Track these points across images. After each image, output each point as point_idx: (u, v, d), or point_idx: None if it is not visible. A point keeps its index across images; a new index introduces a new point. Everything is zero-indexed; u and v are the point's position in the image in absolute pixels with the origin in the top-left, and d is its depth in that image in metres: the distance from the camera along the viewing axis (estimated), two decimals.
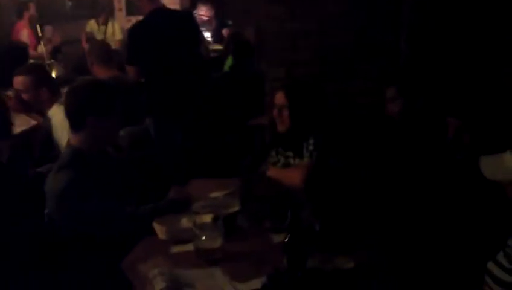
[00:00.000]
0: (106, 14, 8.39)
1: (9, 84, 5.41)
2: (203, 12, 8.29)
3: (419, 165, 2.96)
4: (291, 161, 3.10)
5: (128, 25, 8.81)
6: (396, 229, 2.67)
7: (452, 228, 2.74)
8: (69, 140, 2.73)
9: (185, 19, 4.75)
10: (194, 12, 8.47)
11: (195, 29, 4.79)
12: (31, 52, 7.01)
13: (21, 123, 4.70)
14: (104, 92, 2.70)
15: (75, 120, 2.64)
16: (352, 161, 3.02)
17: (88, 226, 2.51)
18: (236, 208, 2.60)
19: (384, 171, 3.03)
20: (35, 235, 2.76)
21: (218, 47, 7.75)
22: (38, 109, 4.18)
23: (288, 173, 3.02)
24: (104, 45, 5.02)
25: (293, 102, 3.01)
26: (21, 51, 6.25)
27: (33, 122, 4.47)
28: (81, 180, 2.54)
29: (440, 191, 2.86)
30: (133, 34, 4.62)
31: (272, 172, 3.02)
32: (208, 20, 8.30)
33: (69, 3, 9.71)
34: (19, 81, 4.03)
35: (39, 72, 4.06)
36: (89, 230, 2.51)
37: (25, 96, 4.04)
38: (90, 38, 7.98)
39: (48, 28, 7.80)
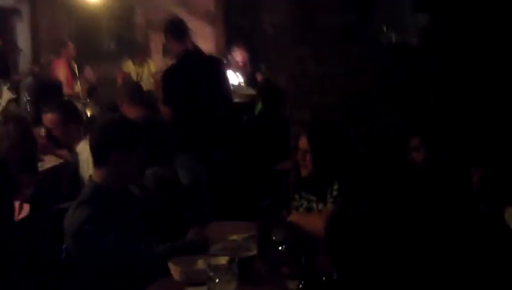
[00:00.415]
0: (143, 55, 8.55)
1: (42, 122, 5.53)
2: (237, 57, 8.39)
3: (443, 217, 2.88)
4: (314, 205, 3.05)
5: (164, 66, 9.02)
6: (418, 282, 2.58)
7: (477, 280, 2.63)
8: (91, 176, 2.73)
9: (214, 63, 4.98)
10: (229, 55, 8.60)
11: (223, 74, 4.99)
12: (68, 90, 7.17)
13: (50, 160, 4.79)
14: (129, 129, 2.71)
15: (98, 155, 2.66)
16: (376, 209, 2.94)
17: (103, 263, 2.50)
18: (253, 252, 2.55)
19: (407, 222, 2.95)
20: (52, 269, 2.76)
21: (251, 92, 7.80)
22: (67, 145, 4.24)
23: (311, 219, 2.96)
24: (135, 85, 5.10)
25: (316, 147, 2.98)
26: (55, 88, 6.39)
27: (61, 160, 4.54)
28: (100, 216, 2.53)
29: (464, 243, 2.76)
30: (167, 76, 4.83)
31: (294, 217, 2.97)
32: (242, 64, 8.39)
33: (107, 43, 9.98)
34: (48, 118, 4.10)
35: (67, 109, 4.13)
36: (104, 267, 2.49)
37: (54, 132, 4.11)
38: (126, 78, 8.12)
39: (86, 68, 7.99)
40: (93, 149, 2.68)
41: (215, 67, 4.88)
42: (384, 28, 3.64)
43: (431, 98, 3.52)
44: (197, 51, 4.93)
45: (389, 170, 3.46)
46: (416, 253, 2.69)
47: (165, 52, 9.13)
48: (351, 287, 2.20)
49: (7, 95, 7.19)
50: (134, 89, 4.81)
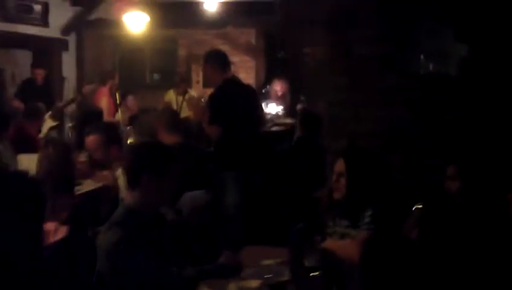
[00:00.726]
0: (184, 86, 8.68)
1: (83, 145, 5.64)
2: (277, 88, 8.46)
3: (480, 244, 2.81)
4: (348, 231, 3.02)
5: (204, 96, 9.15)
6: None
7: None
8: (123, 199, 2.76)
9: (251, 92, 5.43)
10: (268, 86, 8.68)
11: (257, 102, 5.48)
12: (109, 118, 7.31)
13: (88, 185, 4.86)
14: (160, 153, 2.74)
15: (130, 177, 2.69)
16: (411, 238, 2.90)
17: (134, 285, 2.50)
18: (285, 277, 2.53)
19: (444, 250, 2.88)
20: None
21: (290, 121, 7.82)
22: (108, 167, 4.29)
23: (345, 245, 2.93)
24: (172, 112, 5.15)
25: (351, 170, 2.97)
26: (96, 116, 6.53)
27: (100, 185, 4.60)
28: (131, 239, 2.54)
29: (503, 271, 2.68)
30: (213, 97, 5.13)
31: (328, 243, 2.93)
32: (281, 95, 8.45)
33: (150, 74, 10.18)
34: (90, 140, 4.15)
35: (109, 131, 4.18)
36: (134, 289, 2.49)
37: (95, 155, 4.16)
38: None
39: (128, 97, 8.15)
40: (126, 172, 2.72)
41: (251, 95, 5.26)
42: (422, 58, 3.61)
43: (468, 127, 3.46)
44: (236, 80, 5.29)
45: (424, 197, 3.40)
46: (453, 281, 2.62)
47: (206, 82, 9.31)
48: None
49: (49, 122, 7.40)
50: (171, 117, 4.87)
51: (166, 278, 2.54)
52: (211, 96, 5.17)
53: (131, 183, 2.68)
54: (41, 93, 7.67)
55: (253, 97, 5.31)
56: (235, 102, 4.95)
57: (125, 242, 2.52)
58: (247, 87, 5.55)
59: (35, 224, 2.04)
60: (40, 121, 6.37)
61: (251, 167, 4.76)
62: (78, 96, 8.34)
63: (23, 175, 2.28)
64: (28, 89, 7.86)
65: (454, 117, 3.51)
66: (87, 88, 8.52)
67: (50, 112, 7.46)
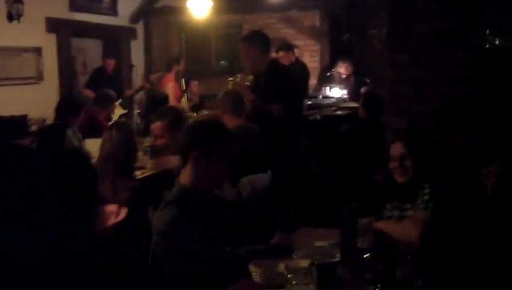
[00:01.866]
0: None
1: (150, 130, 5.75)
2: (341, 70, 8.34)
3: None
4: (406, 213, 2.94)
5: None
6: None
7: None
8: (178, 179, 2.78)
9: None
10: (333, 70, 8.57)
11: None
12: (175, 103, 7.41)
13: (151, 168, 4.96)
14: (211, 130, 2.73)
15: (183, 153, 2.71)
16: (469, 217, 2.78)
17: (186, 263, 2.53)
18: (336, 258, 2.48)
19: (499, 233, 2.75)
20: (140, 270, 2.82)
21: (354, 105, 7.70)
22: (173, 152, 4.34)
23: (402, 226, 2.86)
24: (236, 94, 5.14)
25: (415, 152, 2.90)
26: (163, 102, 6.63)
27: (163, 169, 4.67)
28: (185, 217, 2.56)
29: None
30: (277, 76, 5.29)
31: (381, 224, 2.87)
32: (346, 77, 8.32)
33: (215, 60, 10.26)
34: (155, 126, 4.22)
35: (174, 117, 4.23)
36: (186, 267, 2.52)
37: (160, 140, 4.22)
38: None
39: (193, 83, 8.24)
40: (180, 148, 2.75)
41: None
42: (488, 32, 3.45)
43: None
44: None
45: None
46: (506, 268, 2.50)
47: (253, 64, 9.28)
48: None
49: (119, 110, 7.59)
50: (234, 99, 4.86)
51: (218, 257, 2.55)
52: (282, 75, 5.34)
53: (183, 159, 2.71)
54: (111, 82, 7.86)
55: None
56: (295, 82, 5.44)
57: (178, 221, 2.55)
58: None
59: (85, 201, 2.08)
60: (110, 108, 6.52)
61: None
62: (146, 84, 8.51)
63: (74, 151, 2.33)
64: (99, 78, 8.10)
65: None
66: (154, 76, 8.68)
67: (120, 100, 7.66)
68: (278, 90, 5.13)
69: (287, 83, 5.31)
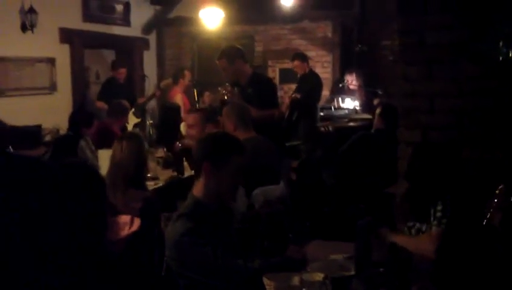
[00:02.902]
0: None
1: (164, 141, 5.82)
2: (349, 80, 8.37)
3: None
4: (421, 227, 2.93)
5: (281, 93, 9.17)
6: None
7: None
8: (191, 191, 2.78)
9: None
10: (345, 81, 8.59)
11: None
12: (184, 114, 7.44)
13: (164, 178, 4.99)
14: (224, 143, 2.74)
15: (195, 166, 2.73)
16: (484, 233, 2.76)
17: (199, 276, 2.53)
18: (351, 272, 2.48)
19: None
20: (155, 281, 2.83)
21: (366, 116, 7.71)
22: None
23: (418, 241, 2.85)
24: (242, 107, 5.16)
25: (415, 165, 2.91)
26: (175, 112, 6.67)
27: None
28: (198, 229, 2.57)
29: None
30: (272, 84, 5.85)
31: (398, 238, 2.85)
32: (353, 87, 8.36)
33: None
34: (190, 117, 4.73)
35: (206, 112, 4.75)
36: (200, 280, 2.52)
37: (192, 131, 4.71)
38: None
39: (205, 93, 8.27)
40: (193, 161, 2.76)
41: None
42: (502, 44, 3.43)
43: None
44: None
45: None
46: None
47: (283, 78, 9.33)
48: None
49: (132, 119, 7.64)
50: (241, 112, 4.85)
51: (232, 270, 2.55)
52: (271, 83, 5.81)
53: (196, 172, 2.73)
54: (123, 92, 7.89)
55: None
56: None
57: (192, 233, 2.56)
58: None
59: (95, 212, 2.08)
60: (124, 118, 6.57)
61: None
62: (157, 92, 8.54)
63: (82, 163, 2.34)
64: (110, 89, 8.10)
65: None
66: (164, 82, 8.71)
67: (133, 110, 7.71)
68: (270, 97, 5.34)
69: (274, 89, 5.68)
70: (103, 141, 5.83)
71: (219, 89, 5.60)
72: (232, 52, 5.49)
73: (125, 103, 6.69)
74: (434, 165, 2.91)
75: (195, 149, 2.78)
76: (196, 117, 4.70)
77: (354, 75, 8.39)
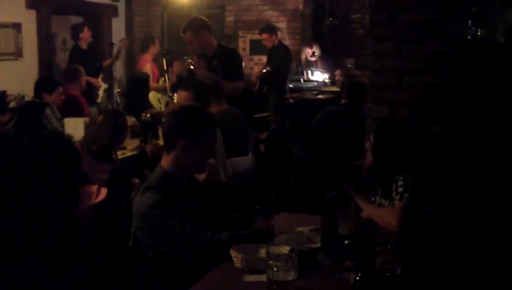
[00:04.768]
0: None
1: (132, 110, 5.75)
2: (309, 51, 8.45)
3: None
4: (382, 201, 3.00)
5: (251, 64, 9.14)
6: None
7: None
8: (160, 162, 2.78)
9: None
10: (314, 54, 8.62)
11: None
12: (153, 84, 7.37)
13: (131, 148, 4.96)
14: (200, 118, 2.74)
15: (167, 141, 2.71)
16: (445, 207, 2.84)
17: (167, 247, 2.54)
18: (317, 244, 2.52)
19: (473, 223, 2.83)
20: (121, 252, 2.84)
21: (335, 89, 7.76)
22: None
23: (382, 214, 2.90)
24: (216, 80, 5.14)
25: (379, 138, 2.98)
26: (143, 81, 6.61)
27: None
28: (165, 201, 2.57)
29: None
30: (238, 56, 5.87)
31: (365, 209, 2.91)
32: (313, 59, 8.43)
33: None
34: (181, 95, 4.38)
35: (199, 89, 4.30)
36: (167, 251, 2.54)
37: None
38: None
39: (175, 63, 8.19)
40: (163, 135, 2.75)
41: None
42: (470, 23, 3.47)
43: None
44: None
45: (465, 167, 3.32)
46: (483, 255, 2.56)
47: (253, 49, 9.30)
48: (414, 283, 2.13)
49: (103, 85, 7.56)
50: (214, 85, 4.83)
51: (199, 241, 2.56)
52: (238, 55, 5.79)
53: (168, 146, 2.71)
54: (89, 58, 7.75)
55: None
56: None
57: (159, 205, 2.56)
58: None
59: (68, 182, 2.08)
60: (80, 80, 6.47)
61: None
62: (118, 54, 8.38)
63: (57, 135, 2.33)
64: (76, 58, 7.87)
65: (501, 86, 3.37)
66: (120, 43, 8.57)
67: (101, 75, 7.61)
68: (236, 69, 5.35)
69: (240, 62, 5.62)
70: (68, 108, 5.78)
71: (185, 58, 5.56)
72: (197, 24, 5.45)
73: (76, 65, 6.65)
74: (396, 141, 2.98)
75: (167, 123, 2.76)
76: (186, 96, 4.29)
77: (315, 46, 8.44)
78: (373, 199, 3.04)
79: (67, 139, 2.38)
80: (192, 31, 5.35)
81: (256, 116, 6.84)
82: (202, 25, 5.41)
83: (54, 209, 2.03)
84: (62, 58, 8.72)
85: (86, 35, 7.84)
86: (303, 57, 8.61)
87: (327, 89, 8.10)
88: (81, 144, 3.86)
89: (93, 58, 7.98)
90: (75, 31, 7.90)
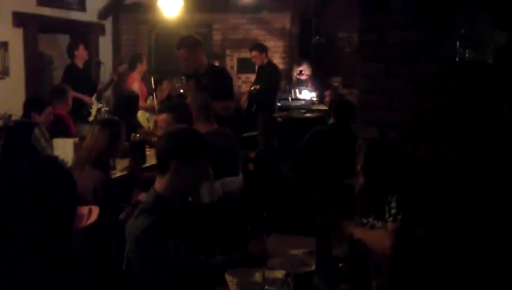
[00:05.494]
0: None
1: None
2: (300, 69, 8.50)
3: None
4: (375, 223, 3.00)
5: (238, 82, 9.17)
6: None
7: None
8: (153, 186, 2.77)
9: None
10: (302, 72, 8.68)
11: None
12: (142, 103, 7.36)
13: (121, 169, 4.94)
14: (193, 140, 2.73)
15: (161, 162, 2.70)
16: (438, 229, 2.85)
17: (162, 272, 2.53)
18: (312, 268, 2.52)
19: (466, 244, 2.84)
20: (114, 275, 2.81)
21: (323, 107, 7.80)
22: None
23: (376, 237, 2.90)
24: (204, 99, 5.14)
25: (370, 160, 2.99)
26: (132, 100, 6.60)
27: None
28: (160, 225, 2.56)
29: None
30: (227, 75, 5.81)
31: (358, 233, 2.91)
32: (305, 78, 8.48)
33: None
34: (162, 118, 4.35)
35: (181, 111, 4.34)
36: (161, 275, 2.52)
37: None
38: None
39: (163, 82, 8.19)
40: (157, 156, 2.74)
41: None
42: (458, 45, 3.51)
43: (505, 116, 3.36)
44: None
45: (455, 188, 3.34)
46: (476, 275, 2.58)
47: (240, 68, 9.34)
48: None
49: (96, 105, 7.54)
50: (203, 105, 4.83)
51: (194, 266, 2.55)
52: (228, 75, 5.71)
53: (161, 168, 2.69)
54: (84, 77, 7.74)
55: None
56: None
57: (153, 229, 2.54)
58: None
59: (64, 211, 2.05)
60: (67, 99, 6.43)
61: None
62: (114, 76, 8.35)
63: (53, 161, 2.30)
64: (71, 75, 7.78)
65: (490, 107, 3.40)
66: (121, 66, 8.54)
67: (95, 95, 7.59)
68: (226, 89, 5.34)
69: (231, 81, 5.65)
70: (56, 129, 5.75)
71: (174, 81, 5.56)
72: (191, 41, 5.47)
73: (64, 85, 6.63)
74: (387, 162, 2.99)
75: (160, 145, 2.76)
76: (167, 118, 4.27)
77: (304, 65, 8.49)
78: (365, 221, 3.03)
79: (63, 165, 2.36)
80: (187, 47, 5.37)
81: (245, 135, 6.85)
82: (196, 43, 5.45)
83: (47, 237, 2.00)
84: (49, 77, 8.70)
85: (81, 53, 7.79)
86: (294, 75, 8.66)
87: (315, 107, 8.14)
88: (79, 155, 3.90)
89: (89, 76, 7.97)
90: (71, 49, 7.87)
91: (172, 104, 4.51)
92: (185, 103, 4.54)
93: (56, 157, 3.89)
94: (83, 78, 7.55)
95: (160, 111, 4.38)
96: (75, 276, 2.01)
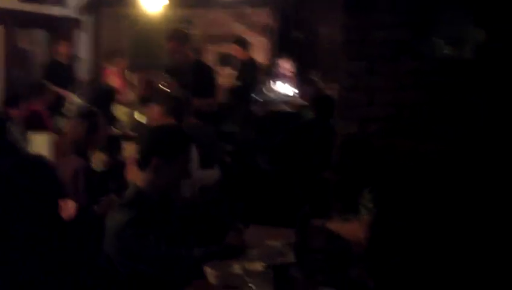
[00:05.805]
0: None
1: None
2: (286, 66, 8.50)
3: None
4: (349, 215, 3.05)
5: (218, 77, 9.15)
6: None
7: None
8: (133, 181, 2.77)
9: None
10: (278, 66, 8.71)
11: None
12: (120, 98, 7.32)
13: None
14: (174, 137, 2.73)
15: (142, 159, 2.70)
16: (413, 220, 2.90)
17: (141, 266, 2.52)
18: (290, 259, 2.54)
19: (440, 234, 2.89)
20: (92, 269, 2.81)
21: (302, 102, 7.83)
22: None
23: (351, 228, 2.94)
24: (186, 95, 5.13)
25: (344, 154, 3.05)
26: (109, 95, 6.56)
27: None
28: (140, 220, 2.56)
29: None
30: (211, 70, 5.93)
31: (333, 225, 2.95)
32: (288, 74, 8.49)
33: (165, 54, 10.14)
34: (153, 109, 4.37)
35: (172, 104, 4.30)
36: (142, 269, 2.52)
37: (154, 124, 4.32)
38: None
39: (143, 77, 8.16)
40: (138, 153, 2.74)
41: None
42: (439, 42, 3.56)
43: (483, 114, 3.42)
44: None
45: (432, 183, 3.39)
46: (454, 265, 2.62)
47: (220, 62, 9.32)
48: None
49: (75, 99, 7.50)
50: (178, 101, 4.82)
51: (175, 259, 2.57)
52: (212, 72, 5.78)
53: (142, 164, 2.69)
54: (66, 72, 7.70)
55: None
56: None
57: (134, 223, 2.54)
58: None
59: (50, 209, 2.05)
60: (46, 95, 6.40)
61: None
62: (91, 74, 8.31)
63: (39, 159, 2.29)
64: (55, 70, 7.70)
65: (469, 103, 3.46)
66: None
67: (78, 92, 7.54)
68: (209, 86, 5.46)
69: (214, 78, 5.72)
70: (32, 124, 5.72)
71: (155, 80, 5.55)
72: (182, 34, 5.51)
73: (41, 80, 6.64)
74: (359, 157, 3.03)
75: (143, 141, 2.75)
76: (158, 111, 4.26)
77: (288, 61, 8.52)
78: (341, 214, 3.08)
79: (48, 164, 2.35)
80: (178, 40, 5.38)
81: (223, 128, 6.85)
82: (185, 37, 5.50)
83: (35, 236, 2.01)
84: (28, 72, 8.61)
85: (63, 49, 7.74)
86: (274, 70, 8.67)
87: (294, 101, 8.16)
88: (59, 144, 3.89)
89: (71, 72, 7.91)
90: (52, 45, 7.82)
91: (162, 96, 4.49)
92: (178, 96, 4.53)
93: (40, 156, 3.88)
94: (64, 74, 7.49)
95: (154, 102, 4.40)
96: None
